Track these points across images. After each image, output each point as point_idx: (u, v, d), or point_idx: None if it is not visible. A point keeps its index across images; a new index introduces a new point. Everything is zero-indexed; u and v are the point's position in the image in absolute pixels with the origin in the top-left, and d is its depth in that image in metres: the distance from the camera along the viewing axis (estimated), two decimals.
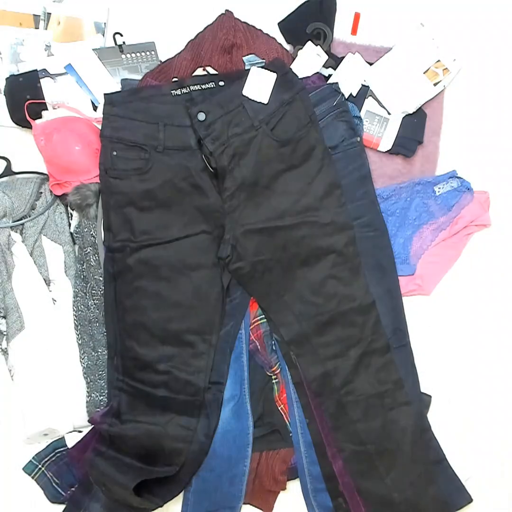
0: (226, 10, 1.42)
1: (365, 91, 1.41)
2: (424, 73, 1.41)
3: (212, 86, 1.32)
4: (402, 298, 1.34)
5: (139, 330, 1.28)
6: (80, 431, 1.34)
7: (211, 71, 1.38)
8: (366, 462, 1.26)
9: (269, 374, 1.36)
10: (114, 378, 1.30)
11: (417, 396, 1.31)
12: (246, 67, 1.37)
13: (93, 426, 1.32)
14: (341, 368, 1.27)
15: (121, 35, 1.43)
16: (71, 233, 1.39)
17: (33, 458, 1.33)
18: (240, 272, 1.29)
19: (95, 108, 1.41)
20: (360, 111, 1.41)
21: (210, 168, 1.28)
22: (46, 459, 1.33)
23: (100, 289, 1.34)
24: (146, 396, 1.27)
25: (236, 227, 1.28)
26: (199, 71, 1.38)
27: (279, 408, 1.35)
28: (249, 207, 1.29)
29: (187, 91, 1.31)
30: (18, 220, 1.36)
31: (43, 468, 1.33)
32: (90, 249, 1.35)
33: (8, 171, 1.39)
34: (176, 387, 1.27)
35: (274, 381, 1.36)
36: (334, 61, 1.41)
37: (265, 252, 1.29)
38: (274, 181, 1.29)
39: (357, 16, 1.46)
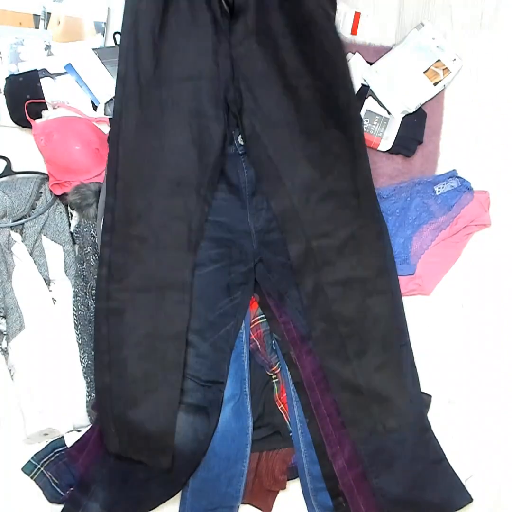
0: None
1: (365, 91, 1.41)
2: (424, 73, 1.41)
3: None
4: (402, 298, 1.34)
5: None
6: (79, 431, 1.34)
7: None
8: (335, 342, 1.25)
9: (269, 374, 1.36)
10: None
11: (417, 396, 1.31)
12: None
13: (91, 425, 1.32)
14: (326, 248, 1.25)
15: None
16: (71, 233, 1.38)
17: (32, 458, 1.33)
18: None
19: (95, 108, 1.41)
20: (360, 111, 1.41)
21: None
22: (45, 459, 1.33)
23: None
24: None
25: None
26: None
27: (279, 407, 1.35)
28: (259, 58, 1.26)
29: None
30: (18, 220, 1.36)
31: (42, 468, 1.33)
32: (90, 249, 1.35)
33: (8, 171, 1.39)
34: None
35: (274, 380, 1.36)
36: None
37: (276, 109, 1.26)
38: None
39: (357, 16, 1.46)
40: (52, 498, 1.32)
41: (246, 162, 1.30)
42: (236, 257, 1.31)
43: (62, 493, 1.31)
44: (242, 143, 1.30)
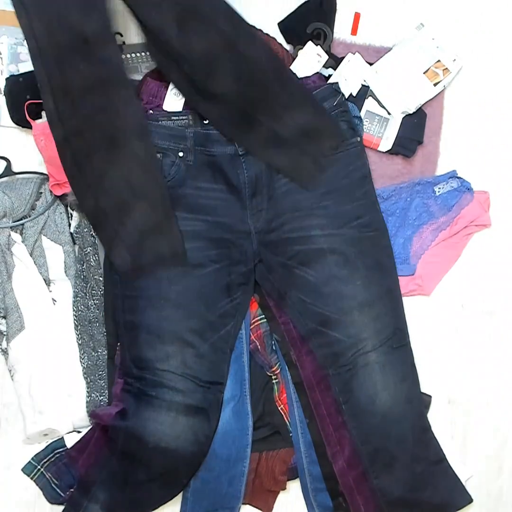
0: None
1: (365, 91, 1.41)
2: (424, 73, 1.41)
3: None
4: (402, 298, 1.34)
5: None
6: (79, 431, 1.34)
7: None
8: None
9: (269, 374, 1.36)
10: (114, 379, 1.30)
11: (417, 396, 1.31)
12: None
13: (91, 426, 1.32)
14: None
15: (121, 35, 1.42)
16: (71, 233, 1.38)
17: (32, 459, 1.33)
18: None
19: None
20: (360, 111, 1.41)
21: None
22: (45, 460, 1.33)
23: (100, 289, 1.34)
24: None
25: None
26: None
27: (279, 408, 1.35)
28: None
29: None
30: (18, 220, 1.36)
31: (42, 469, 1.33)
32: (90, 249, 1.35)
33: (8, 171, 1.39)
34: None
35: (274, 381, 1.36)
36: (334, 61, 1.41)
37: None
38: None
39: (357, 16, 1.46)
40: (52, 499, 1.32)
41: (247, 163, 1.30)
42: (236, 257, 1.31)
43: (62, 493, 1.31)
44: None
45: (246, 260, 1.31)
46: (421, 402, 1.33)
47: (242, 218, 1.30)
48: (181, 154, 1.29)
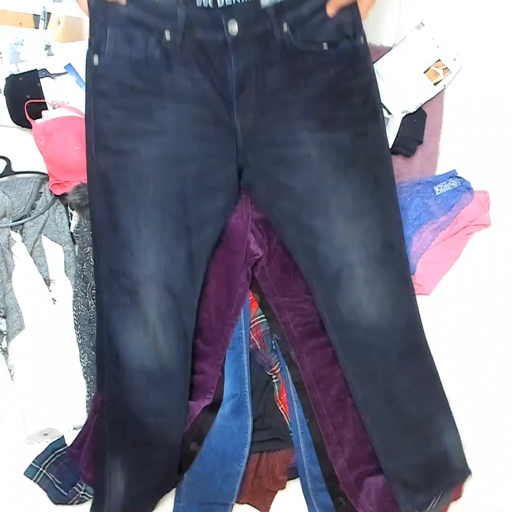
0: None
1: None
2: (424, 72, 1.41)
3: None
4: (399, 213, 1.28)
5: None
6: None
7: None
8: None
9: (269, 374, 1.36)
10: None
11: (408, 311, 1.27)
12: None
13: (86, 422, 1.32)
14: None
15: None
16: (71, 233, 1.39)
17: (33, 461, 1.33)
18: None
19: None
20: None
21: None
22: (46, 461, 1.33)
23: None
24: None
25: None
26: None
27: (280, 408, 1.35)
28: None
29: None
30: (18, 220, 1.36)
31: (44, 471, 1.32)
32: (90, 249, 1.35)
33: (8, 171, 1.39)
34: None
35: (274, 381, 1.36)
36: None
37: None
38: None
39: None
40: (57, 500, 1.31)
41: (236, 54, 1.18)
42: (220, 155, 1.23)
43: (65, 493, 1.31)
44: (234, 33, 1.17)
45: (231, 161, 1.24)
46: (415, 319, 1.28)
47: (229, 113, 1.21)
48: (168, 34, 1.17)
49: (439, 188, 1.41)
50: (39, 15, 1.42)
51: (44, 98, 1.39)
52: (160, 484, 1.29)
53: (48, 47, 1.42)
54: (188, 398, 1.28)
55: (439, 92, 1.43)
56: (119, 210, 1.22)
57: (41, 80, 1.39)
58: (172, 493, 1.32)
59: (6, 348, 1.34)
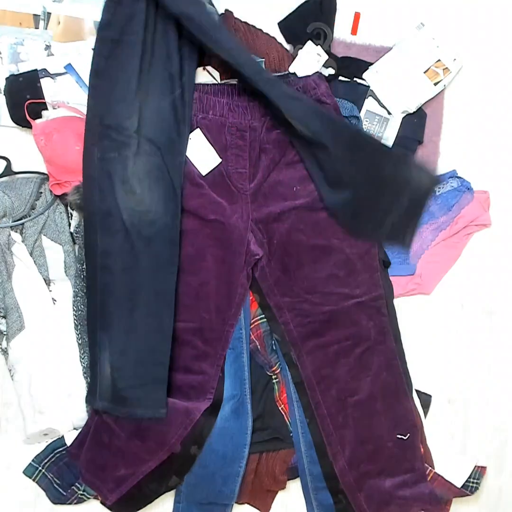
0: (226, 10, 1.42)
1: (365, 91, 1.41)
2: (424, 72, 1.41)
3: None
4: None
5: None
6: None
7: (212, 70, 1.38)
8: None
9: (269, 374, 1.36)
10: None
11: None
12: None
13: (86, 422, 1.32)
14: None
15: None
16: (71, 233, 1.38)
17: (32, 460, 1.33)
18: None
19: None
20: (360, 111, 1.41)
21: None
22: (45, 461, 1.33)
23: None
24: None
25: None
26: (200, 71, 1.38)
27: (280, 408, 1.35)
28: None
29: None
30: (18, 220, 1.36)
31: (43, 470, 1.33)
32: None
33: (8, 171, 1.39)
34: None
35: (274, 381, 1.36)
36: (334, 61, 1.41)
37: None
38: None
39: (357, 16, 1.46)
40: (55, 499, 1.32)
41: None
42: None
43: (64, 492, 1.31)
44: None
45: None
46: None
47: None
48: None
49: (439, 188, 1.41)
50: (39, 15, 1.42)
51: (44, 98, 1.39)
52: (148, 352, 1.28)
53: (48, 47, 1.42)
54: (177, 254, 1.28)
55: (439, 92, 1.43)
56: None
57: (41, 80, 1.39)
58: (172, 493, 1.33)
59: (6, 348, 1.34)
